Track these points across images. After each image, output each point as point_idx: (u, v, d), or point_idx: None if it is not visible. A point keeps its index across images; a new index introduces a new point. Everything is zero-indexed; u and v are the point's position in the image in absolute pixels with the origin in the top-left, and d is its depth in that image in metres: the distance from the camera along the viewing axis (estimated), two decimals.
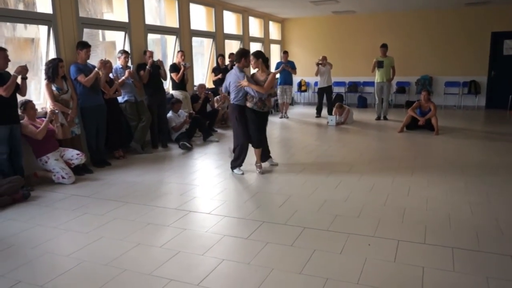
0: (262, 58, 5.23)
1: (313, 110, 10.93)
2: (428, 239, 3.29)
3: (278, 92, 10.14)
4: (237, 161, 5.42)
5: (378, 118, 9.85)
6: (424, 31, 11.72)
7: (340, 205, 4.13)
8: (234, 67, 5.35)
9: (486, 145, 7.02)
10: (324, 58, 10.03)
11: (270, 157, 5.76)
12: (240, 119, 5.25)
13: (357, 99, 12.46)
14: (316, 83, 11.21)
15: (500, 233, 3.41)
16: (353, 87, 12.61)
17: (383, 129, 8.74)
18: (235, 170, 5.41)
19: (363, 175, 5.19)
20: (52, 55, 5.55)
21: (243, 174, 5.35)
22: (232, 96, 5.28)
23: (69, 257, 3.10)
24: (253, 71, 5.53)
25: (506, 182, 4.79)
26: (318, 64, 9.97)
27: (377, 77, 9.70)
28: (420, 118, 8.08)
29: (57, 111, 5.05)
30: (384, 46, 9.58)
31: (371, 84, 11.50)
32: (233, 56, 9.59)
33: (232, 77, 5.26)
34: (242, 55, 5.25)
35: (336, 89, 12.38)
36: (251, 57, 5.23)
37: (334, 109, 9.41)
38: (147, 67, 6.70)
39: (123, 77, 6.30)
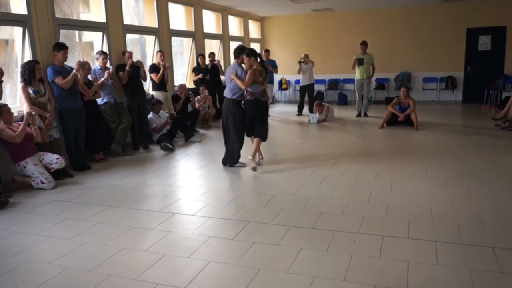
0: (254, 55, 5.35)
1: (294, 108, 10.98)
2: (411, 234, 3.34)
3: None
4: (233, 157, 5.57)
5: (359, 115, 9.96)
6: (401, 28, 11.91)
7: (325, 203, 4.15)
8: (233, 62, 5.58)
9: (465, 139, 7.18)
10: (306, 56, 10.11)
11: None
12: (236, 113, 5.44)
13: (337, 96, 12.57)
14: (296, 81, 11.27)
15: (481, 225, 3.49)
16: (333, 84, 12.72)
17: (364, 125, 8.84)
18: (237, 165, 5.59)
19: (346, 172, 5.23)
20: (28, 57, 5.41)
21: (245, 165, 5.57)
22: (227, 89, 5.49)
23: (51, 264, 3.03)
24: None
25: (485, 175, 4.91)
26: (300, 62, 10.04)
27: (357, 74, 9.80)
28: (400, 114, 8.21)
29: (33, 113, 4.92)
30: (364, 44, 9.68)
31: (351, 81, 11.63)
32: (213, 55, 9.61)
33: (229, 71, 5.49)
34: (241, 52, 5.44)
35: (316, 87, 12.38)
36: (243, 56, 5.35)
37: (314, 107, 9.48)
38: (127, 68, 6.60)
39: (102, 78, 6.19)
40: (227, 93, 5.51)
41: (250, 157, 5.44)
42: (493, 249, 3.02)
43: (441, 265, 2.83)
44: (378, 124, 8.45)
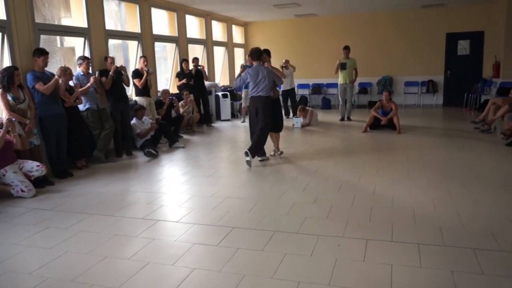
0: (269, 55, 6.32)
1: None
2: (395, 237, 3.37)
3: (243, 95, 10.17)
4: (261, 149, 6.09)
5: (342, 119, 10.06)
6: (383, 33, 12.09)
7: (309, 207, 4.17)
8: (256, 64, 6.07)
9: (445, 141, 7.30)
10: (287, 61, 10.21)
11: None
12: (270, 109, 6.05)
13: (321, 101, 12.67)
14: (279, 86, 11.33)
15: (462, 227, 3.55)
16: (317, 89, 12.81)
17: (347, 129, 8.92)
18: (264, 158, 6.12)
19: (330, 176, 5.26)
20: (7, 63, 5.32)
21: (268, 159, 6.23)
22: (260, 88, 5.97)
23: (31, 274, 2.96)
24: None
25: (465, 177, 4.99)
26: (282, 68, 10.12)
27: (340, 78, 9.90)
28: (383, 118, 8.31)
29: (13, 119, 4.82)
30: (347, 48, 9.79)
31: (334, 85, 11.73)
32: (197, 60, 9.59)
33: (261, 72, 5.95)
34: (262, 53, 6.11)
35: (300, 91, 12.62)
36: (265, 56, 6.17)
37: (297, 112, 9.55)
38: (110, 73, 6.53)
39: (88, 84, 6.11)
40: (260, 92, 5.96)
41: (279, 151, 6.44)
42: (474, 250, 3.07)
43: (424, 268, 2.86)
44: (361, 128, 8.54)
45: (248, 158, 5.76)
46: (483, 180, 4.87)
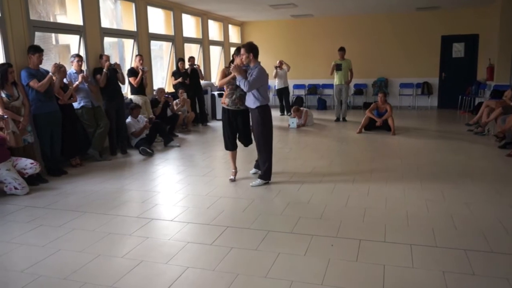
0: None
1: (274, 113, 11.05)
2: (388, 237, 3.39)
3: None
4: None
5: (337, 120, 10.08)
6: (379, 35, 12.12)
7: (303, 207, 4.18)
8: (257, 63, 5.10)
9: (439, 143, 7.34)
10: (281, 62, 10.65)
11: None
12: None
13: (317, 101, 12.69)
14: (275, 86, 11.41)
15: (454, 228, 3.57)
16: (313, 89, 12.84)
17: (342, 130, 8.95)
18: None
19: (324, 177, 5.28)
20: (1, 60, 5.28)
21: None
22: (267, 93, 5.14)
23: (23, 272, 2.95)
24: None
25: (458, 179, 5.02)
26: (276, 68, 10.48)
27: (335, 79, 9.93)
28: (378, 119, 8.34)
29: (6, 116, 4.79)
30: (342, 49, 9.83)
31: (330, 86, 11.76)
32: (193, 59, 9.58)
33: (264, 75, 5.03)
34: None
35: (296, 92, 12.69)
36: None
37: (292, 113, 9.61)
38: (104, 70, 6.51)
39: (77, 82, 6.08)
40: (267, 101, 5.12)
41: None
42: (465, 251, 3.10)
43: (416, 268, 2.88)
44: (356, 129, 8.56)
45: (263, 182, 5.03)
46: (475, 182, 4.90)
